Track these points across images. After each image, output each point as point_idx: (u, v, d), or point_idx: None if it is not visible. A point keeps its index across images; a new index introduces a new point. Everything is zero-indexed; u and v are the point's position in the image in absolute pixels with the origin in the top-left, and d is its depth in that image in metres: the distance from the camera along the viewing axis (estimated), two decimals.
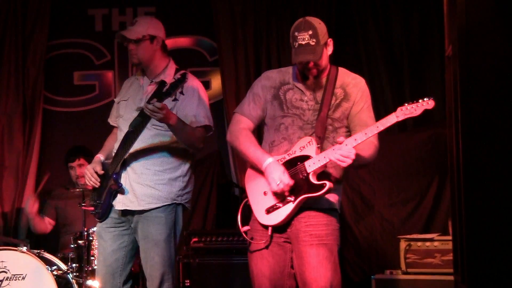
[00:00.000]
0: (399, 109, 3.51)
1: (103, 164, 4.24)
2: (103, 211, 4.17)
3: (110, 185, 4.14)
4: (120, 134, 4.22)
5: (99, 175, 4.19)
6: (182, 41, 6.73)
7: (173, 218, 4.14)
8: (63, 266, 5.15)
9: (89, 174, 4.19)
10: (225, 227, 6.26)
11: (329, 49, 3.68)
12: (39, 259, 5.02)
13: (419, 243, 5.42)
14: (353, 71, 3.88)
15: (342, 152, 3.47)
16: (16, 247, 5.10)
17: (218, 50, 6.53)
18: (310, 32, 3.56)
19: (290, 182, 3.55)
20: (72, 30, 6.71)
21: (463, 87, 3.96)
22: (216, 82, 6.63)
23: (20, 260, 5.01)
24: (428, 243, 5.41)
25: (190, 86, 4.13)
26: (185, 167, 4.21)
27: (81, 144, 6.03)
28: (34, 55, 6.52)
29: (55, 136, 6.67)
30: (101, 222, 4.22)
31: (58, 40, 6.71)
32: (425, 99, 3.50)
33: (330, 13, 6.32)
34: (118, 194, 4.14)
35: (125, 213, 4.16)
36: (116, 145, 4.20)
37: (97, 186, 4.19)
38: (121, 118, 4.26)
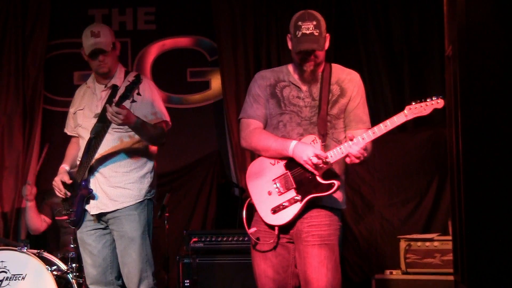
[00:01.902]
0: (407, 107, 3.49)
1: (70, 174, 4.34)
2: (77, 218, 4.28)
3: (81, 192, 4.23)
4: (82, 142, 4.33)
5: (67, 185, 4.27)
6: (182, 41, 6.73)
7: (146, 215, 4.25)
8: (63, 266, 5.14)
9: (57, 185, 4.28)
10: (225, 227, 6.26)
11: (326, 44, 3.69)
12: (39, 259, 5.01)
13: (419, 243, 5.42)
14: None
15: (357, 149, 3.47)
16: (16, 247, 5.10)
17: (218, 50, 6.53)
18: (315, 23, 3.59)
19: (324, 154, 3.53)
20: (72, 30, 6.70)
21: (463, 87, 3.96)
22: (216, 82, 6.63)
23: (20, 260, 5.00)
24: (428, 243, 5.41)
25: (145, 85, 4.23)
26: (150, 164, 4.33)
27: None
28: (34, 55, 6.52)
29: (55, 136, 6.67)
30: (77, 228, 4.32)
31: (58, 40, 6.71)
32: (433, 97, 3.48)
33: (330, 13, 6.32)
34: (91, 200, 4.24)
35: (100, 216, 4.26)
36: (80, 153, 4.31)
37: (68, 196, 4.28)
38: (80, 127, 4.37)
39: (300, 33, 3.58)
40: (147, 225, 4.25)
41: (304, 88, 3.70)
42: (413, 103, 3.49)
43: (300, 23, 3.60)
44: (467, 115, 3.88)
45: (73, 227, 4.37)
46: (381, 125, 3.50)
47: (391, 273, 5.46)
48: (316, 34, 3.57)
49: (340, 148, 3.53)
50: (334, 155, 3.55)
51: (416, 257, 5.42)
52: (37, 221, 5.83)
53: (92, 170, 4.24)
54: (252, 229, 3.71)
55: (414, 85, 6.29)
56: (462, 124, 3.96)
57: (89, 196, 4.22)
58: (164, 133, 4.27)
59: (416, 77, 6.32)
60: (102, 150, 4.22)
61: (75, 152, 4.44)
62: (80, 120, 4.38)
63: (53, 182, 4.31)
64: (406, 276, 5.40)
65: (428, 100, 3.48)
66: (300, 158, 3.55)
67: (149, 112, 4.23)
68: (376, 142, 3.72)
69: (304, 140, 3.62)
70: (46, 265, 5.02)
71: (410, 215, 6.05)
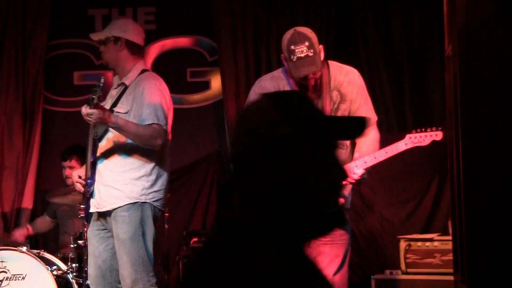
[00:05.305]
0: (407, 136, 3.54)
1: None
2: (86, 216, 4.27)
3: (85, 189, 4.24)
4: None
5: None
6: (182, 41, 6.73)
7: (138, 217, 4.15)
8: (63, 266, 5.14)
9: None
10: None
11: (322, 56, 3.64)
12: (39, 259, 5.01)
13: (419, 243, 5.42)
14: None
15: (353, 176, 3.51)
16: (16, 247, 5.10)
17: (218, 50, 6.53)
18: (307, 44, 3.51)
19: None
20: (72, 30, 6.71)
21: (463, 87, 3.96)
22: (216, 82, 6.63)
23: (20, 260, 5.01)
24: (428, 243, 5.41)
25: (142, 85, 4.19)
26: (149, 166, 4.21)
27: (81, 144, 6.04)
28: (34, 55, 6.52)
29: (55, 136, 6.68)
30: (88, 226, 4.33)
31: (58, 40, 6.71)
32: (433, 128, 3.53)
33: (330, 13, 6.32)
34: (91, 198, 4.24)
35: (100, 216, 4.25)
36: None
37: (82, 191, 4.27)
38: None
39: (295, 57, 3.51)
40: (141, 227, 4.16)
41: None
42: (414, 132, 3.54)
43: (292, 47, 3.52)
44: (467, 115, 3.87)
45: (86, 224, 4.34)
46: (382, 151, 3.55)
47: (391, 273, 5.46)
48: (311, 54, 3.50)
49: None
50: None
51: (416, 257, 5.41)
52: (42, 227, 5.97)
53: (95, 168, 4.22)
54: None
55: (414, 85, 6.29)
56: (462, 124, 3.95)
57: (89, 193, 4.21)
58: (157, 134, 4.12)
59: (416, 77, 6.32)
60: (103, 148, 4.20)
61: None
62: None
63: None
64: (406, 276, 5.40)
65: (428, 130, 3.52)
66: None
67: (139, 112, 4.16)
68: None
69: None
70: (46, 265, 5.03)
71: (410, 215, 6.05)
